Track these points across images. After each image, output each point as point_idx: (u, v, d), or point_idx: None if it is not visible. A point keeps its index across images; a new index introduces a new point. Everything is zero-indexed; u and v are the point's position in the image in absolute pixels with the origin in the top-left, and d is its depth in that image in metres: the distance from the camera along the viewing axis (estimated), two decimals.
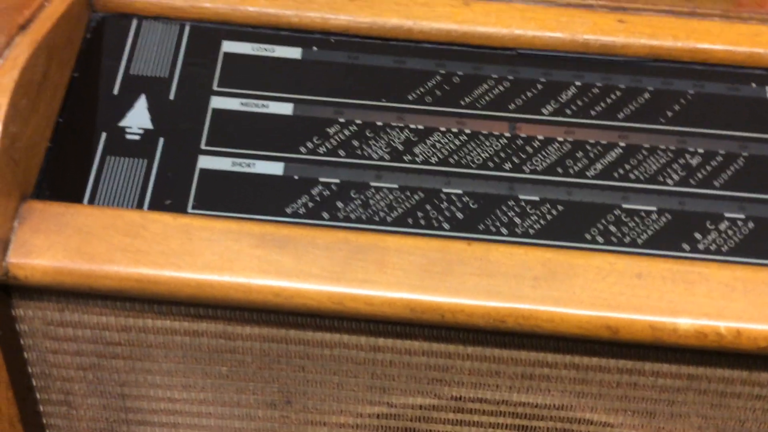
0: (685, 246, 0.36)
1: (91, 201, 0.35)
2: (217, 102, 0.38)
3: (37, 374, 0.38)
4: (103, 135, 0.37)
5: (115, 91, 0.38)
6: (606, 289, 0.33)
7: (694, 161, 0.38)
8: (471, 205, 0.36)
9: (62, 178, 0.36)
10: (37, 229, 0.33)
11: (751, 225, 0.36)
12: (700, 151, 0.38)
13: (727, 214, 0.36)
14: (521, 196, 0.37)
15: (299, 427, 0.39)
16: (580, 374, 0.36)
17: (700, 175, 0.37)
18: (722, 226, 0.36)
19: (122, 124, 0.37)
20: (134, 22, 0.40)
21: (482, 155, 0.38)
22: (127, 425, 0.39)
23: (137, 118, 0.38)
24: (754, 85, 0.40)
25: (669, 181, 0.37)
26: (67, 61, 0.37)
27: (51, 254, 0.33)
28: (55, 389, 0.38)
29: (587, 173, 0.37)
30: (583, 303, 0.33)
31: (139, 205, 0.36)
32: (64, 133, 0.37)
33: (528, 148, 0.38)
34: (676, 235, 0.36)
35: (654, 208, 0.37)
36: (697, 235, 0.36)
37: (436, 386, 0.37)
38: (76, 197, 0.35)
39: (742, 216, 0.36)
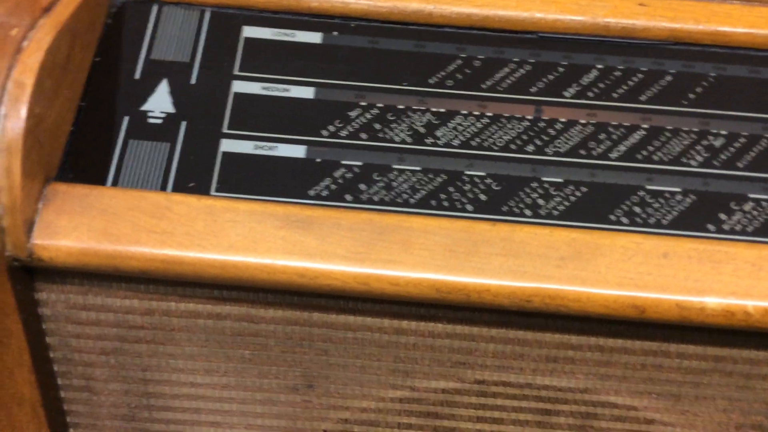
0: (710, 227, 0.36)
1: (114, 184, 0.35)
2: (239, 86, 0.38)
3: (59, 359, 0.38)
4: (126, 119, 0.37)
5: (137, 75, 0.38)
6: (632, 268, 0.33)
7: (718, 143, 0.38)
8: (494, 187, 0.36)
9: (85, 162, 0.36)
10: (61, 210, 0.33)
11: None
12: (723, 132, 0.38)
13: (751, 195, 0.36)
14: (544, 178, 0.37)
15: (321, 412, 0.39)
16: (605, 356, 0.36)
17: (723, 157, 0.37)
18: (747, 207, 0.36)
19: (144, 108, 0.37)
20: (155, 8, 0.40)
21: (504, 138, 0.38)
22: (149, 410, 0.39)
23: (159, 102, 0.38)
24: None
25: (693, 162, 0.37)
26: (88, 45, 0.37)
27: (76, 235, 0.33)
28: (77, 374, 0.38)
29: (610, 155, 0.37)
30: (610, 283, 0.33)
31: (163, 189, 0.35)
32: (86, 116, 0.37)
33: (550, 131, 0.38)
34: (701, 216, 0.36)
35: (678, 189, 0.36)
36: (722, 216, 0.36)
37: (459, 369, 0.37)
38: (99, 181, 0.35)
39: (766, 197, 0.36)
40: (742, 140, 0.38)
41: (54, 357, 0.38)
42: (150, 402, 0.39)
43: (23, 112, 0.32)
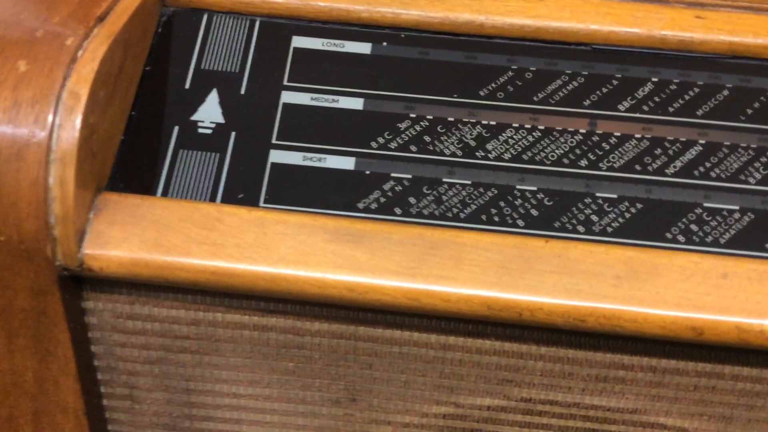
0: None
1: (164, 194, 0.35)
2: (288, 97, 0.38)
3: (103, 368, 0.38)
4: (176, 129, 0.37)
5: (187, 85, 0.38)
6: (691, 289, 0.32)
7: None
8: (546, 203, 0.36)
9: (136, 171, 0.36)
10: (112, 220, 0.33)
11: None
12: None
13: None
14: (598, 194, 0.36)
15: (363, 426, 0.39)
16: (657, 377, 0.35)
17: None
18: None
19: (194, 118, 0.37)
20: (205, 17, 0.40)
21: (557, 152, 0.37)
22: (190, 420, 0.39)
23: (209, 112, 0.37)
24: None
25: (751, 179, 0.36)
26: (140, 54, 0.38)
27: (127, 246, 0.33)
28: (120, 383, 0.38)
29: (666, 171, 0.36)
30: (668, 303, 0.32)
31: (212, 199, 0.35)
32: (137, 126, 0.37)
33: (604, 145, 0.37)
34: (760, 235, 0.35)
35: (736, 207, 0.35)
36: None
37: (505, 387, 0.36)
38: (149, 190, 0.35)
39: None
40: None
41: (98, 365, 0.38)
42: (192, 412, 0.39)
43: (78, 122, 0.32)
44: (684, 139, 0.37)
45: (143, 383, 0.38)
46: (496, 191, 0.36)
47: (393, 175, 0.36)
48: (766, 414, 0.36)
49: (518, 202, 0.36)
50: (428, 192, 0.36)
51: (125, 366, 0.38)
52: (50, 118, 0.32)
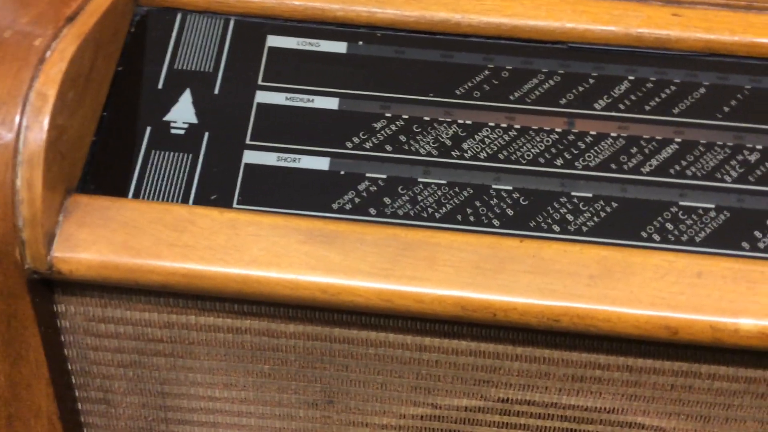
0: (745, 245, 0.35)
1: (136, 195, 0.35)
2: (262, 96, 0.38)
3: (77, 371, 0.37)
4: (148, 129, 0.37)
5: (160, 85, 0.38)
6: (665, 288, 0.32)
7: (753, 158, 0.37)
8: (521, 202, 0.35)
9: (107, 173, 0.35)
10: (82, 222, 0.33)
11: None
12: (759, 147, 0.37)
13: None
14: (574, 193, 0.36)
15: (340, 428, 0.38)
16: (633, 376, 0.35)
17: (759, 172, 0.36)
18: None
19: (167, 118, 0.37)
20: (178, 16, 0.39)
21: (533, 151, 0.37)
22: (166, 424, 0.39)
23: (182, 113, 0.37)
24: None
25: (727, 177, 0.36)
26: (112, 54, 0.37)
27: (96, 248, 0.32)
28: (95, 387, 0.38)
29: (642, 169, 0.36)
30: (642, 302, 0.32)
31: (185, 200, 0.35)
32: (108, 127, 0.36)
33: (580, 144, 0.37)
34: (736, 234, 0.35)
35: (712, 206, 0.35)
36: (757, 234, 0.35)
37: (482, 387, 0.36)
38: (120, 191, 0.35)
39: None
40: None
41: (72, 369, 0.37)
42: (167, 415, 0.38)
43: (45, 124, 0.31)
44: (660, 138, 0.37)
45: (118, 387, 0.38)
46: (471, 191, 0.36)
47: (368, 175, 0.36)
48: (744, 413, 0.36)
49: (494, 201, 0.36)
50: (403, 192, 0.36)
51: (99, 369, 0.37)
52: (17, 119, 0.31)
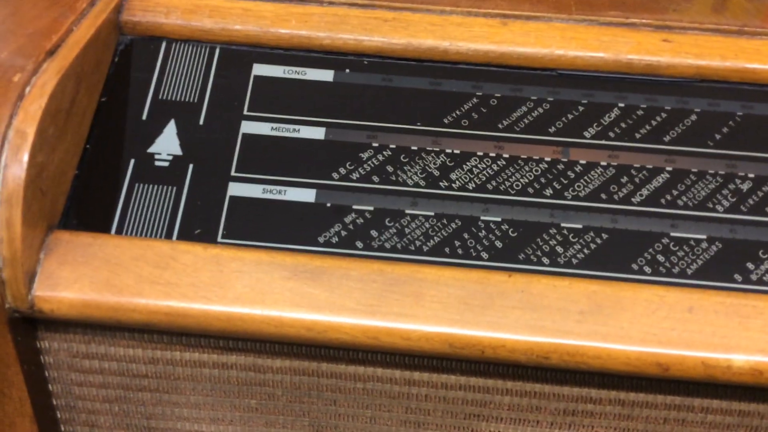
0: (737, 276, 0.34)
1: (119, 230, 0.35)
2: (248, 127, 0.37)
3: (62, 407, 0.37)
4: (132, 162, 0.36)
5: (144, 116, 0.37)
6: (656, 323, 0.32)
7: (745, 186, 0.36)
8: (510, 234, 0.35)
9: (90, 207, 0.35)
10: (63, 260, 0.32)
11: None
12: (751, 175, 0.36)
13: None
14: (563, 224, 0.35)
15: None
16: (626, 410, 0.35)
17: (751, 201, 0.36)
18: None
19: (151, 150, 0.36)
20: (163, 46, 0.39)
21: (522, 181, 0.36)
22: None
23: (166, 144, 0.37)
24: None
25: (719, 207, 0.36)
26: (95, 85, 0.37)
27: (78, 287, 0.32)
28: (80, 422, 0.37)
29: (633, 199, 0.36)
30: (632, 339, 0.31)
31: (168, 235, 0.35)
32: (91, 160, 0.36)
33: (570, 173, 0.36)
34: (728, 265, 0.34)
35: (704, 237, 0.35)
36: (750, 265, 0.34)
37: (473, 422, 0.36)
38: (103, 226, 0.35)
39: None
40: None
41: (57, 404, 0.37)
42: None
43: (24, 162, 0.31)
44: (651, 167, 0.36)
45: (104, 421, 0.37)
46: (459, 222, 0.35)
47: (354, 207, 0.36)
48: None
49: (482, 233, 0.35)
50: (390, 224, 0.35)
51: (84, 405, 0.37)
52: None
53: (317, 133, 0.37)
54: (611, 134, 0.37)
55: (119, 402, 0.36)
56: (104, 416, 0.37)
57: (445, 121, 0.38)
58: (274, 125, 0.37)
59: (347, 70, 0.39)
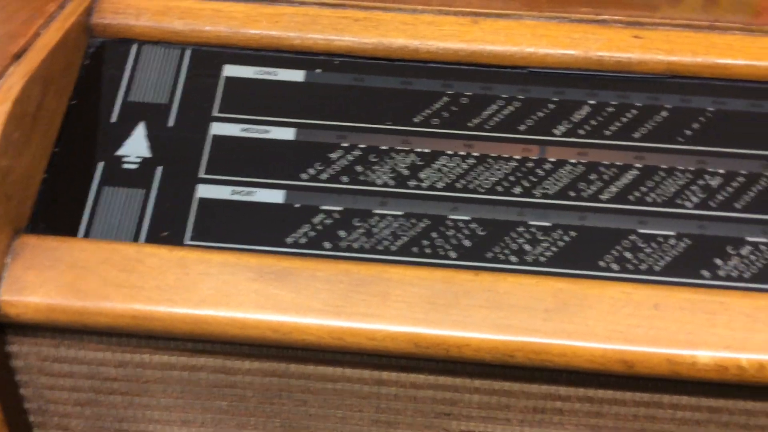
0: (705, 273, 0.34)
1: (87, 233, 0.35)
2: (218, 128, 0.37)
3: (35, 410, 0.37)
4: (100, 165, 0.36)
5: (114, 118, 0.37)
6: (621, 321, 0.32)
7: (715, 182, 0.36)
8: (479, 232, 0.35)
9: (58, 211, 0.35)
10: (29, 265, 0.32)
11: None
12: (721, 171, 0.36)
13: (749, 238, 0.35)
14: (531, 222, 0.35)
15: None
16: (595, 407, 0.35)
17: (720, 197, 0.36)
18: (744, 251, 0.34)
19: (120, 153, 0.37)
20: (134, 48, 0.39)
21: (491, 179, 0.36)
22: None
23: (135, 147, 0.37)
24: None
25: (688, 203, 0.35)
26: (64, 88, 0.37)
27: (44, 291, 0.32)
28: (53, 425, 0.37)
29: (601, 197, 0.36)
30: (598, 336, 0.31)
31: (136, 238, 0.35)
32: (60, 163, 0.36)
33: (539, 171, 0.36)
34: (696, 262, 0.34)
35: (672, 233, 0.35)
36: (718, 261, 0.34)
37: (443, 420, 0.36)
38: (71, 230, 0.35)
39: (765, 240, 0.35)
40: (741, 179, 0.36)
41: (29, 408, 0.37)
42: None
43: None
44: (620, 164, 0.36)
45: (76, 425, 0.37)
46: (428, 222, 0.35)
47: (323, 207, 0.36)
48: None
49: (451, 232, 0.35)
50: (359, 225, 0.35)
51: (56, 408, 0.37)
52: None
53: (287, 133, 0.37)
54: (581, 132, 0.37)
55: (91, 405, 0.36)
56: (76, 419, 0.37)
57: (416, 120, 0.38)
58: (245, 126, 0.37)
59: (318, 70, 0.39)
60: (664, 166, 0.36)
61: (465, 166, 0.37)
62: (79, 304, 0.32)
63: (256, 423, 0.36)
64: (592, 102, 0.38)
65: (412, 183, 0.36)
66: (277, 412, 0.36)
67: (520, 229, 0.35)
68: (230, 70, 0.39)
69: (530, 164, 0.36)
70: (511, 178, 0.36)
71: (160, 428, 0.37)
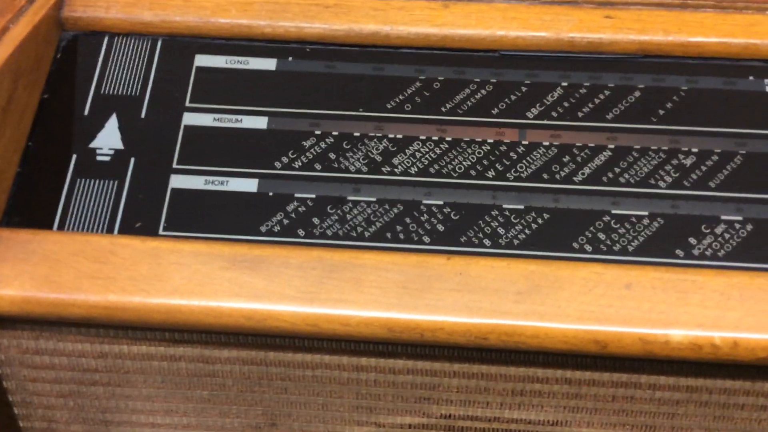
0: (679, 252, 0.34)
1: (62, 226, 0.35)
2: (190, 118, 0.37)
3: (18, 402, 0.37)
4: (74, 157, 0.36)
5: (86, 111, 0.37)
6: (593, 301, 0.32)
7: (688, 161, 0.36)
8: (452, 217, 0.35)
9: (32, 204, 0.35)
10: (3, 258, 0.32)
11: (749, 227, 0.34)
12: (694, 150, 0.36)
13: (723, 217, 0.35)
14: (505, 205, 0.35)
15: None
16: (573, 389, 0.35)
17: (694, 176, 0.36)
18: (718, 230, 0.34)
19: (93, 145, 0.37)
20: (105, 40, 0.39)
21: (464, 163, 0.36)
22: None
23: (108, 139, 0.37)
24: (751, 78, 0.38)
25: (661, 183, 0.35)
26: (35, 82, 0.37)
27: (18, 283, 0.32)
28: (38, 417, 0.37)
29: (574, 178, 0.36)
30: (569, 317, 0.31)
31: (110, 229, 0.35)
32: (33, 157, 0.36)
33: (512, 155, 0.36)
34: (670, 241, 0.34)
35: (645, 213, 0.35)
36: (692, 240, 0.34)
37: (424, 405, 0.36)
38: (46, 223, 0.35)
39: (739, 218, 0.35)
40: (714, 158, 0.36)
41: (13, 401, 0.37)
42: None
43: None
44: (593, 145, 0.36)
45: (60, 416, 0.38)
46: (401, 207, 0.35)
47: (297, 195, 0.36)
48: (689, 421, 0.35)
49: (424, 217, 0.35)
50: (332, 211, 0.35)
51: (40, 400, 0.37)
52: None
53: (260, 122, 0.37)
54: (554, 114, 0.37)
55: (74, 396, 0.37)
56: (60, 411, 0.37)
57: (388, 106, 0.38)
58: (217, 116, 0.37)
59: (290, 58, 0.38)
60: (637, 147, 0.36)
61: (438, 150, 0.37)
62: (53, 296, 0.32)
63: (238, 411, 0.37)
64: (564, 84, 0.38)
65: (386, 169, 0.36)
66: (259, 400, 0.36)
67: (494, 212, 0.35)
68: (201, 60, 0.39)
69: (503, 148, 0.36)
70: (485, 162, 0.36)
71: (143, 418, 0.37)
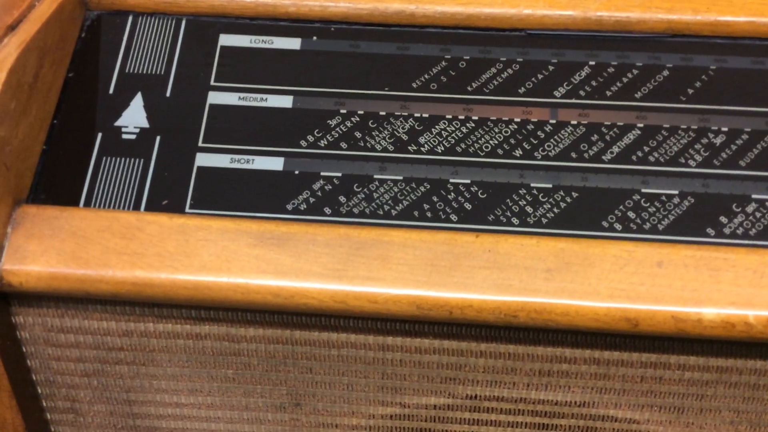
0: (710, 231, 0.34)
1: (88, 203, 0.35)
2: (215, 97, 0.37)
3: (42, 381, 0.37)
4: (99, 135, 0.36)
5: (111, 90, 0.37)
6: (624, 279, 0.31)
7: (718, 140, 0.36)
8: (480, 195, 0.35)
9: (58, 181, 0.35)
10: (30, 234, 0.32)
11: None
12: (724, 129, 0.36)
13: (754, 195, 0.34)
14: (533, 184, 0.35)
15: (310, 430, 0.38)
16: (602, 369, 0.34)
17: (724, 155, 0.35)
18: (749, 209, 0.34)
19: (118, 123, 0.36)
20: (130, 19, 0.39)
21: (491, 142, 0.36)
22: (135, 431, 0.39)
23: (133, 117, 0.37)
24: None
25: (691, 162, 0.35)
26: (61, 61, 0.37)
27: (45, 259, 0.32)
28: (61, 396, 0.37)
29: (603, 157, 0.35)
30: (600, 295, 0.31)
31: (136, 206, 0.35)
32: (59, 135, 0.36)
33: (539, 133, 0.36)
34: (700, 220, 0.34)
35: (675, 192, 0.34)
36: (723, 219, 0.34)
37: (449, 385, 0.36)
38: (72, 200, 0.35)
39: None
40: (744, 137, 0.36)
41: (37, 380, 0.37)
42: (136, 423, 0.38)
43: None
44: (621, 124, 0.36)
45: (83, 396, 0.37)
46: (428, 186, 0.35)
47: (323, 174, 0.35)
48: (718, 402, 0.35)
49: (451, 196, 0.35)
50: (359, 190, 0.35)
51: (64, 379, 0.37)
52: None
53: (285, 101, 0.37)
54: (582, 93, 0.37)
55: (97, 375, 0.37)
56: (84, 390, 0.37)
57: (414, 85, 0.37)
58: (242, 95, 0.37)
59: (314, 38, 0.38)
60: (667, 126, 0.36)
61: (464, 130, 0.36)
62: (80, 272, 0.32)
63: (262, 391, 0.36)
64: (592, 63, 0.37)
65: (412, 148, 0.36)
66: (283, 380, 0.36)
67: (522, 191, 0.35)
68: (226, 40, 0.38)
69: (531, 127, 0.36)
70: (512, 141, 0.36)
71: (167, 398, 0.37)
